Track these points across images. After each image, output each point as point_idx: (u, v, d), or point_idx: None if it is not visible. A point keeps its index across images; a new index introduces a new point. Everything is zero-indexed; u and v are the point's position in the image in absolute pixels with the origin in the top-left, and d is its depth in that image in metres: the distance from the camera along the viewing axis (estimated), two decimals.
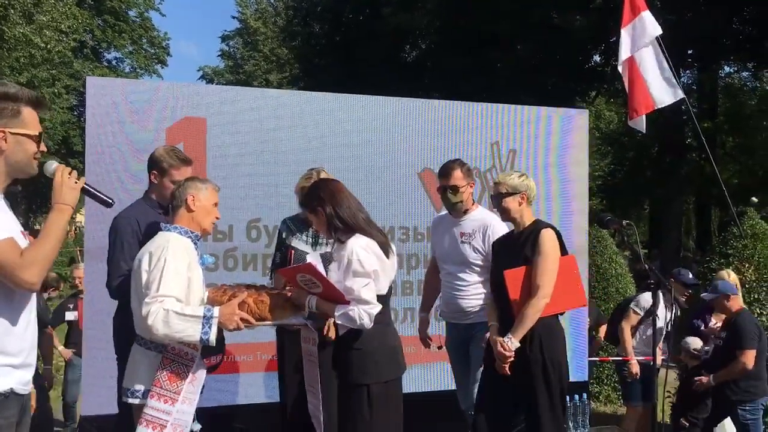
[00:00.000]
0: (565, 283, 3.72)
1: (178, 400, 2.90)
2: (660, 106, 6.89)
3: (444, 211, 4.38)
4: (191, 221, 3.13)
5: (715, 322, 5.92)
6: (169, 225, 3.14)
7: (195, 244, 3.13)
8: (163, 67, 33.60)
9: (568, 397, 5.58)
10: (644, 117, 6.90)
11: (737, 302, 5.29)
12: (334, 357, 3.30)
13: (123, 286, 3.36)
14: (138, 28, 31.44)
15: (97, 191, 2.69)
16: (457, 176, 4.12)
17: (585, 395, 5.70)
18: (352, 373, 3.21)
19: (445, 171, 4.17)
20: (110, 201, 2.75)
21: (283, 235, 4.14)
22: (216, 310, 2.91)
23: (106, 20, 29.33)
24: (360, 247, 3.17)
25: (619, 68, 6.99)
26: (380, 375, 3.23)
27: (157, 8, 32.46)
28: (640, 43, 6.71)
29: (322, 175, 3.86)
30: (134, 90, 4.69)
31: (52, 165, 2.49)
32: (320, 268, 3.18)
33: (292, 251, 4.01)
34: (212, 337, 2.86)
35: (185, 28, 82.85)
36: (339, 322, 3.13)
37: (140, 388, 2.96)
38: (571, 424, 5.58)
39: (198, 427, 3.14)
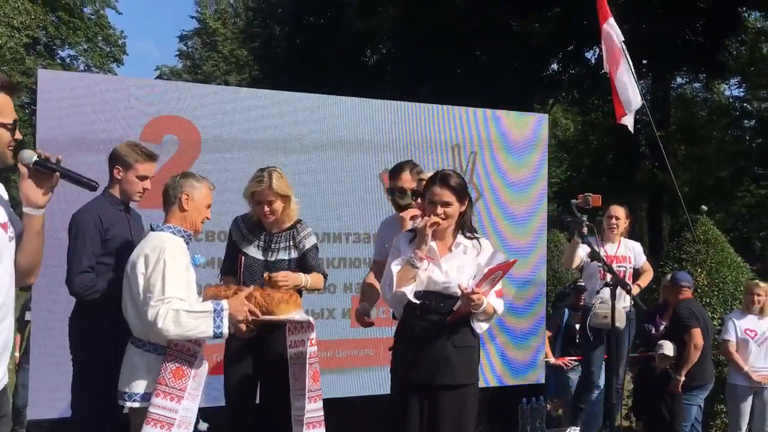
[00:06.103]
0: None
1: (184, 397, 2.87)
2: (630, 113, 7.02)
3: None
4: (183, 220, 3.11)
5: (666, 325, 6.02)
6: (161, 224, 3.10)
7: (187, 243, 3.10)
8: (119, 66, 32.92)
9: (525, 399, 5.63)
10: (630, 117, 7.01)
11: (686, 294, 5.75)
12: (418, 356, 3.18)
13: (84, 282, 3.29)
14: (93, 25, 30.72)
15: (79, 175, 2.50)
16: (406, 178, 3.93)
17: (542, 397, 5.74)
18: (463, 371, 3.17)
19: (394, 171, 4.00)
20: (94, 184, 2.60)
21: (233, 237, 3.85)
22: (225, 303, 2.90)
23: (60, 17, 28.54)
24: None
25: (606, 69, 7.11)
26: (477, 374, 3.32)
27: (113, 6, 31.72)
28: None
29: (275, 176, 3.60)
30: (87, 84, 4.54)
31: (32, 157, 2.30)
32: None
33: (243, 257, 3.71)
34: (225, 330, 2.86)
35: (143, 26, 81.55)
36: (499, 310, 3.20)
37: (139, 390, 2.91)
38: (528, 428, 5.62)
39: (205, 426, 3.10)
